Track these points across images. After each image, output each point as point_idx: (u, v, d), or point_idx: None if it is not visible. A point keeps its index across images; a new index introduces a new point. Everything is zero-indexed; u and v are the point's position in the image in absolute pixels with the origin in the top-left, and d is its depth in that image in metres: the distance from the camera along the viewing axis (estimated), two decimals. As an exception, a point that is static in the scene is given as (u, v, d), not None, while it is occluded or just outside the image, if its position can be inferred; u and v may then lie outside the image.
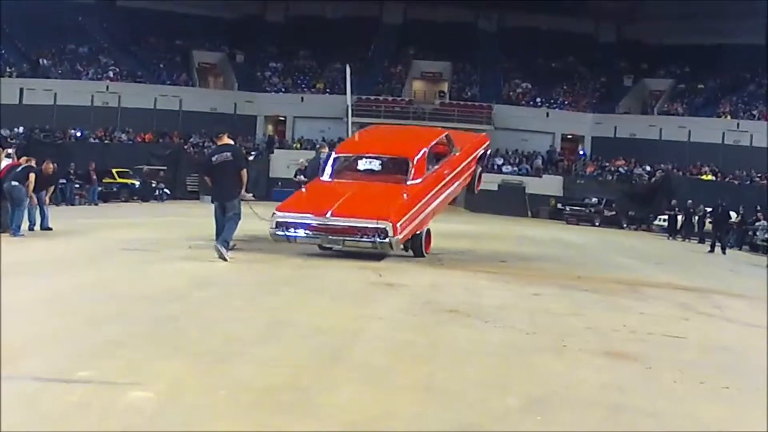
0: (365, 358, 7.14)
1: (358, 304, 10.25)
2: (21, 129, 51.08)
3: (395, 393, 6.05)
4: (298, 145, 58.88)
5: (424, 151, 17.04)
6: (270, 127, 63.21)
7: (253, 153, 53.71)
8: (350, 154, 17.98)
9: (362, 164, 17.33)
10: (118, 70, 61.22)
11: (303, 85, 65.14)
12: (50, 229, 19.70)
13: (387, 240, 15.01)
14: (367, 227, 15.13)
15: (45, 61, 59.47)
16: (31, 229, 19.26)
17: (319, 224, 15.44)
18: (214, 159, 15.04)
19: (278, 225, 15.67)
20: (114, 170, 43.08)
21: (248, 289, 11.09)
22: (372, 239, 15.13)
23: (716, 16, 59.20)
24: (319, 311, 9.55)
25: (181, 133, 58.31)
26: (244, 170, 14.93)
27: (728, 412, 6.25)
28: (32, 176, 18.92)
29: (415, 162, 16.63)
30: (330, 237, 15.57)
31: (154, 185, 44.84)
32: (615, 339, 8.81)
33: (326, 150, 19.81)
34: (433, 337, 8.36)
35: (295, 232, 15.62)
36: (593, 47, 66.94)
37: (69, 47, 62.28)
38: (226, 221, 14.54)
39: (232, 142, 16.08)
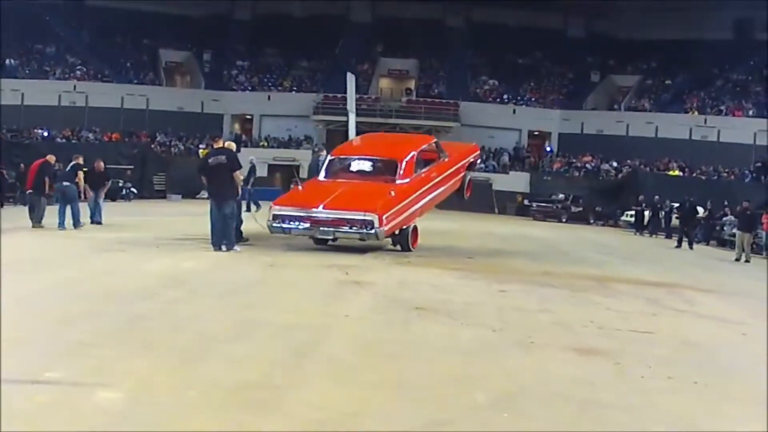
0: (334, 356, 7.14)
1: (327, 302, 10.26)
2: (-12, 130, 50.61)
3: (365, 390, 6.06)
4: (265, 143, 58.76)
5: (413, 155, 18.34)
6: (237, 126, 62.86)
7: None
8: (344, 156, 19.13)
9: (355, 165, 18.62)
10: (85, 69, 60.79)
11: (270, 84, 64.90)
12: (100, 223, 21.83)
13: (373, 231, 16.17)
14: (354, 219, 16.41)
15: (12, 61, 58.92)
16: (98, 222, 21.77)
17: (312, 216, 16.67)
18: (210, 161, 16.13)
19: (275, 218, 16.95)
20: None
21: (217, 288, 11.03)
22: (360, 230, 16.30)
23: (683, 10, 59.52)
24: (287, 310, 9.53)
25: (148, 131, 58.07)
26: (237, 172, 16.11)
27: (697, 406, 6.29)
28: (81, 174, 20.84)
29: (403, 164, 17.84)
30: (322, 228, 16.69)
31: (121, 184, 44.39)
32: (583, 335, 8.86)
33: (324, 153, 20.54)
34: (402, 334, 8.38)
35: (290, 224, 16.82)
36: (562, 42, 66.83)
37: (36, 47, 61.77)
38: (222, 224, 15.69)
39: (231, 145, 17.27)
